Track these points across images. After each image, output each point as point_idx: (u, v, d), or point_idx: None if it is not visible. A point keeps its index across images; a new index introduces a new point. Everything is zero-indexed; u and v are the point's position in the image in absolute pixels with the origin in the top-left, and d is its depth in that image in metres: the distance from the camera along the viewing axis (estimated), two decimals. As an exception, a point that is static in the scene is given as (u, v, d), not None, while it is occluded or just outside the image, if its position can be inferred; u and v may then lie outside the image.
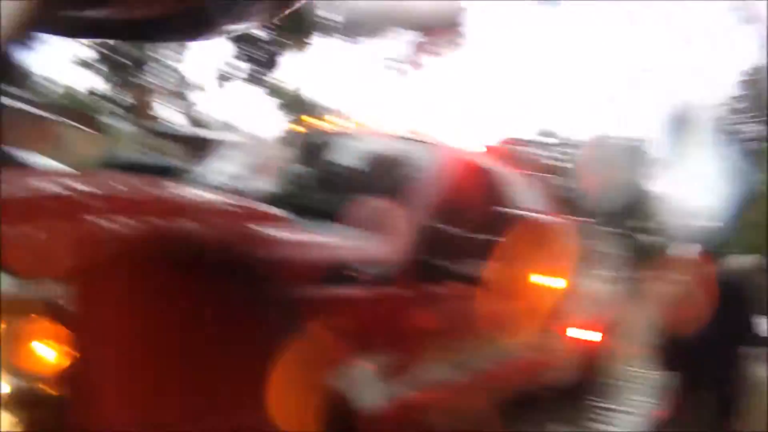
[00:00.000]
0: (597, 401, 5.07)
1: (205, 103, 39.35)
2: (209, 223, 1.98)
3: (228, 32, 4.10)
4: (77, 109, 23.09)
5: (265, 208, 2.39)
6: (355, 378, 2.05)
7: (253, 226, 2.12)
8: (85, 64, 12.85)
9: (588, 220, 4.83)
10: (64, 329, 1.36)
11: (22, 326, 1.37)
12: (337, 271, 2.13)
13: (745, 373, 3.30)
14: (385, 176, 3.09)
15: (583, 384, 4.81)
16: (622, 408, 5.10)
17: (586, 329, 4.55)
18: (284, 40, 11.86)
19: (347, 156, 3.37)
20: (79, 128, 18.86)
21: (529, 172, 4.31)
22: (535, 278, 2.78)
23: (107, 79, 20.22)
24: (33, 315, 1.38)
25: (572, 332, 4.37)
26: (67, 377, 1.36)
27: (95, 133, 20.30)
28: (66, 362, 1.36)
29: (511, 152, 4.31)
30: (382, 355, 2.24)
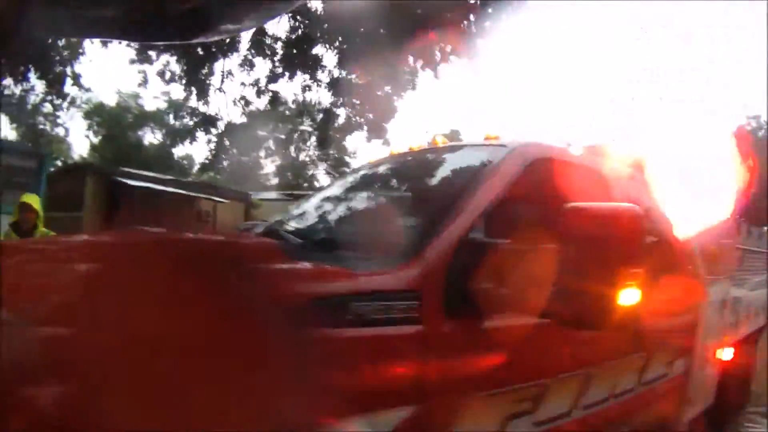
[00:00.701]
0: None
1: (344, 161, 41.24)
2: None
3: (228, 32, 4.22)
4: (218, 184, 25.08)
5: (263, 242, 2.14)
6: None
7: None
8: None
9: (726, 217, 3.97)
10: None
11: None
12: (332, 307, 1.70)
13: None
14: (438, 190, 2.69)
15: (725, 413, 3.97)
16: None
17: (724, 347, 3.66)
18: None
19: (410, 179, 3.08)
20: (221, 201, 20.28)
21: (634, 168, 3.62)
22: (645, 291, 2.04)
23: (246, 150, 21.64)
24: None
25: (706, 352, 3.49)
26: None
27: (238, 203, 21.71)
28: None
29: (610, 148, 3.68)
30: (394, 412, 1.74)
